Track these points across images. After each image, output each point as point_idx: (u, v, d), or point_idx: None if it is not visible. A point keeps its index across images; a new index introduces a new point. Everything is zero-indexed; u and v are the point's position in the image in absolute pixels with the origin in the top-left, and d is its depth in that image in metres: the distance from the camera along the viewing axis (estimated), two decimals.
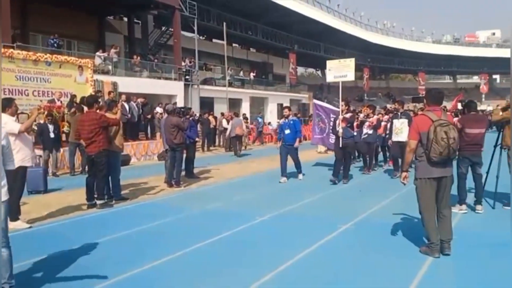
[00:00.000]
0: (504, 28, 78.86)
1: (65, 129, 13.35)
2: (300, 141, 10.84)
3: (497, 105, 8.47)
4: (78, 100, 13.38)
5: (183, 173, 11.07)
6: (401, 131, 10.49)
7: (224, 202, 8.42)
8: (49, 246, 5.61)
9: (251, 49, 45.23)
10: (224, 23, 28.75)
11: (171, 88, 24.79)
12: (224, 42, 28.98)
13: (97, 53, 21.30)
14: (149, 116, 18.28)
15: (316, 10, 42.87)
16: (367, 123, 12.21)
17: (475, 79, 72.85)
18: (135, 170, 13.29)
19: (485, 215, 7.01)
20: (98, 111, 8.14)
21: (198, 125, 15.98)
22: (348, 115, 10.69)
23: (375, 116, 12.55)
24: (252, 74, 37.40)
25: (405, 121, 10.45)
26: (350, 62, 11.11)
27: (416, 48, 58.35)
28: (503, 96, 52.82)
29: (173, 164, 10.14)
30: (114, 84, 18.35)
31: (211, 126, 21.53)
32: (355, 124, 11.13)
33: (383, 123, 12.58)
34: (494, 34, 76.83)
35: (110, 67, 21.33)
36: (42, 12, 22.37)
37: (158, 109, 18.63)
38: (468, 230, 6.05)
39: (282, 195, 8.99)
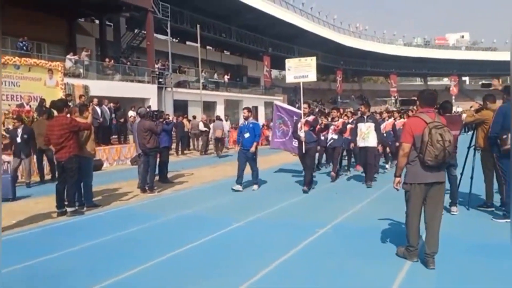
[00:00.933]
0: (472, 31, 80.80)
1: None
2: (256, 147, 9.91)
3: (471, 107, 8.56)
4: (47, 104, 13.05)
5: (156, 178, 10.88)
6: (367, 135, 9.94)
7: (199, 207, 8.28)
8: (18, 255, 5.40)
9: (225, 51, 45.11)
10: (198, 26, 28.57)
11: (144, 91, 24.49)
12: (198, 45, 28.81)
13: (68, 56, 20.85)
14: (122, 120, 17.97)
15: (289, 12, 43.07)
16: (332, 127, 11.48)
17: (445, 81, 74.35)
18: (108, 176, 13.00)
19: (460, 216, 7.06)
20: (68, 115, 7.91)
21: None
22: (310, 118, 9.88)
23: (340, 120, 11.89)
24: (226, 77, 37.28)
25: (372, 125, 9.93)
26: (311, 61, 10.21)
27: (388, 51, 59.22)
28: (472, 98, 53.91)
29: (146, 169, 9.95)
30: (86, 88, 18.02)
31: (186, 129, 21.33)
32: (317, 127, 10.17)
33: (349, 126, 11.90)
34: (463, 37, 78.63)
35: (81, 70, 20.94)
36: (11, 14, 21.76)
37: (131, 113, 18.35)
38: (444, 232, 6.05)
39: (257, 200, 8.88)
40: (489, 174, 7.45)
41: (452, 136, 4.68)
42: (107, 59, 23.60)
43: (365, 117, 10.15)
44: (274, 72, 57.27)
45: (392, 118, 13.08)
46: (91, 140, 8.34)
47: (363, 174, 10.76)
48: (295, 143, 11.02)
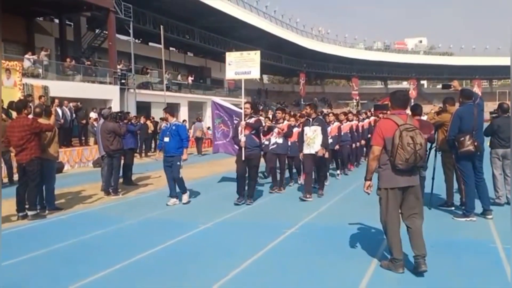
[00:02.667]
0: (430, 36, 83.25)
1: None
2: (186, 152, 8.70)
3: (431, 109, 8.79)
4: (5, 105, 12.60)
5: (120, 180, 10.68)
6: (313, 141, 8.75)
7: (165, 210, 8.20)
8: None
9: (188, 53, 44.80)
10: (161, 27, 28.25)
11: (106, 92, 23.98)
12: (162, 46, 28.48)
13: (26, 56, 20.17)
14: (84, 122, 17.58)
15: (252, 15, 43.15)
16: (276, 130, 10.12)
17: (405, 84, 76.21)
18: (69, 178, 12.68)
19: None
20: (30, 116, 7.67)
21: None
22: (252, 120, 8.65)
23: (286, 122, 10.40)
24: (190, 79, 37.01)
25: (318, 128, 8.74)
26: (255, 56, 9.11)
27: (350, 54, 60.17)
28: (430, 101, 55.42)
29: (110, 171, 9.75)
30: (45, 88, 17.49)
31: (149, 131, 21.03)
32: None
33: (296, 130, 10.50)
34: (421, 41, 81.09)
35: (40, 70, 20.29)
36: None
37: (93, 114, 17.97)
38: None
39: (222, 202, 8.77)
40: (450, 174, 7.70)
41: (424, 139, 4.58)
42: (67, 59, 22.99)
43: (311, 119, 8.92)
44: None
45: (338, 122, 11.80)
46: (55, 143, 8.12)
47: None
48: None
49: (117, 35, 27.85)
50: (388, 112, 5.10)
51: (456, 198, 7.76)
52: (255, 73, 9.21)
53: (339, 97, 65.07)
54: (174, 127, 8.61)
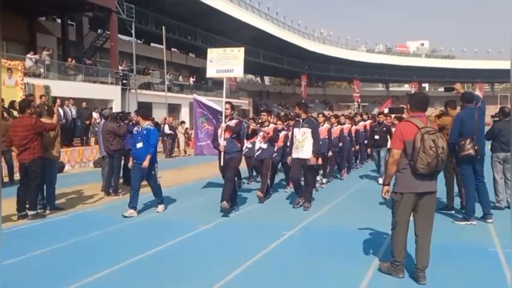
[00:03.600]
0: (431, 39, 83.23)
1: None
2: (151, 160, 7.74)
3: (432, 113, 8.77)
4: (7, 104, 12.65)
5: (121, 180, 10.68)
6: (302, 144, 7.95)
7: (165, 211, 8.19)
8: None
9: (190, 54, 44.86)
10: (163, 27, 28.28)
11: (107, 92, 24.01)
12: (163, 47, 28.50)
13: (28, 55, 20.21)
14: (87, 122, 17.63)
15: (255, 16, 43.21)
16: (261, 134, 9.37)
17: (406, 87, 76.27)
18: (70, 178, 12.69)
19: None
20: (33, 116, 7.68)
21: None
22: (232, 123, 7.99)
23: (271, 125, 9.64)
24: (191, 79, 37.05)
25: (308, 131, 7.93)
26: (239, 53, 8.44)
27: (351, 57, 60.17)
28: (432, 104, 55.10)
29: (110, 172, 9.76)
30: (47, 88, 17.55)
31: None
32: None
33: (283, 133, 10.08)
34: (423, 44, 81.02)
35: (42, 70, 20.33)
36: None
37: (94, 114, 18.00)
38: (408, 234, 6.22)
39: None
40: (450, 178, 7.70)
41: (446, 142, 4.45)
42: (69, 59, 23.03)
43: (301, 120, 8.16)
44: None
45: (328, 124, 10.89)
46: (57, 142, 8.13)
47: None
48: None
49: (119, 36, 27.88)
50: (405, 115, 5.03)
51: (457, 202, 7.76)
52: (238, 72, 8.57)
53: (340, 99, 65.04)
54: (145, 132, 7.88)
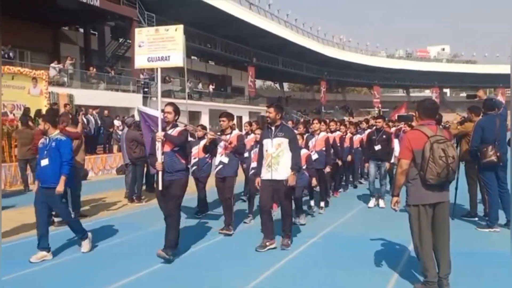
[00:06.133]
0: (452, 44, 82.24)
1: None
2: (65, 181, 5.75)
3: (454, 119, 8.72)
4: (32, 113, 12.96)
5: (144, 187, 10.83)
6: (276, 161, 5.94)
7: (188, 217, 8.25)
8: (3, 267, 5.26)
9: (210, 61, 45.24)
10: (184, 35, 28.56)
11: (129, 100, 24.38)
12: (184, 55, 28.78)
13: (52, 65, 20.71)
14: (111, 130, 17.92)
15: (274, 23, 43.34)
16: (222, 144, 7.13)
17: (427, 92, 75.33)
18: (94, 185, 12.90)
19: None
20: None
21: None
22: (175, 132, 5.90)
23: (235, 132, 7.34)
24: (211, 87, 37.35)
25: (284, 141, 5.96)
26: (176, 32, 6.22)
27: (371, 62, 59.80)
28: (453, 109, 54.77)
29: (134, 179, 9.92)
30: (70, 96, 17.94)
31: None
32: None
33: (250, 137, 8.81)
34: (443, 49, 79.92)
35: (65, 79, 20.81)
36: None
37: (116, 122, 18.30)
38: None
39: (242, 211, 8.68)
40: (473, 185, 7.63)
41: (456, 151, 4.23)
42: (91, 68, 23.48)
43: (273, 128, 6.08)
44: (258, 82, 57.64)
45: (325, 133, 8.98)
46: (82, 150, 8.31)
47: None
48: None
49: None
50: (414, 123, 4.97)
51: (480, 209, 7.67)
52: (176, 60, 6.27)
53: (360, 105, 64.61)
54: (54, 144, 5.82)
